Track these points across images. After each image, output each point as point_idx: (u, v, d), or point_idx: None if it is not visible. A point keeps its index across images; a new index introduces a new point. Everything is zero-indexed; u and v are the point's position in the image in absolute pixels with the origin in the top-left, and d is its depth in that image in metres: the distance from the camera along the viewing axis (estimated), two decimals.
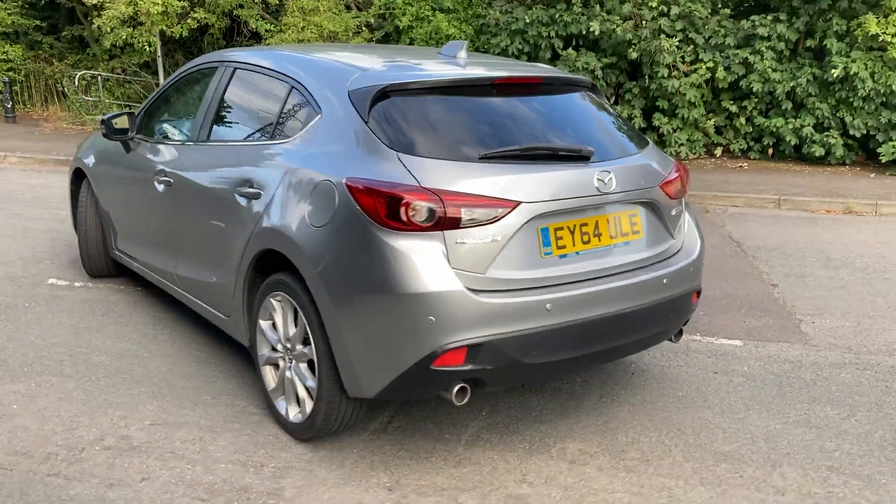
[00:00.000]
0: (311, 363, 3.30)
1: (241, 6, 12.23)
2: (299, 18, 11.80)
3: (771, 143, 11.47)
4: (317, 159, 3.23)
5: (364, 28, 12.03)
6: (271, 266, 3.48)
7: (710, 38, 11.26)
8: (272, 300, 3.43)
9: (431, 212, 2.87)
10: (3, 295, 5.23)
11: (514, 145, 3.15)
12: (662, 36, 10.93)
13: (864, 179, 10.35)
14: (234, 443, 3.40)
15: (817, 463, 3.31)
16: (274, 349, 3.52)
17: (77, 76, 14.51)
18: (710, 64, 11.18)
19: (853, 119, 10.81)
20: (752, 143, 11.66)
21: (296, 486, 3.07)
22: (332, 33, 11.69)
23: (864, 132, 10.83)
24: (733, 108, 11.39)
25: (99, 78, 14.59)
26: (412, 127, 3.17)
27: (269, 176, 3.43)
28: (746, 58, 11.04)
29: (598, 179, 3.17)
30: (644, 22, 11.10)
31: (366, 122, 3.15)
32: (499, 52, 11.65)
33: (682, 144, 11.39)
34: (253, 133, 3.83)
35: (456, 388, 2.98)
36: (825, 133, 10.91)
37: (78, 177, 5.62)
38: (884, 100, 10.65)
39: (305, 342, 3.30)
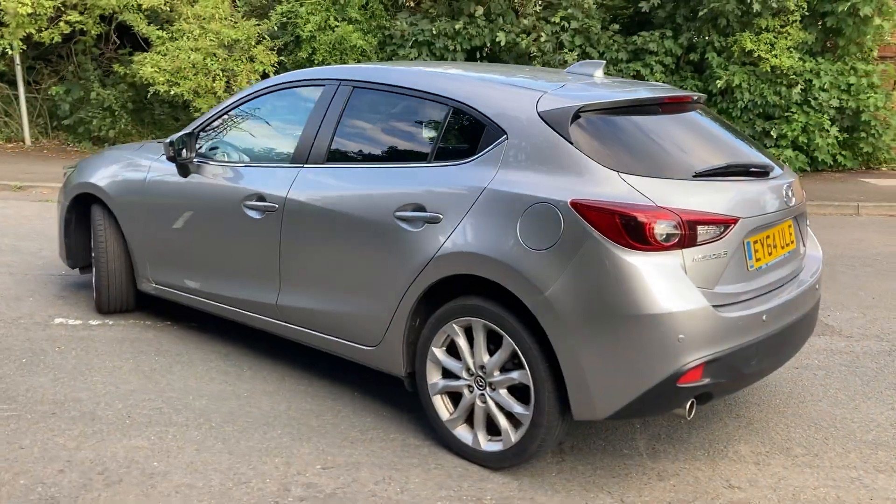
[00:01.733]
0: (512, 389, 3.23)
1: (126, 9, 11.36)
2: (195, 25, 11.16)
3: None
4: (518, 181, 3.17)
5: (266, 37, 11.58)
6: (445, 292, 3.37)
7: (603, 52, 11.90)
8: (455, 326, 3.33)
9: (673, 230, 2.93)
10: (18, 340, 4.62)
11: (715, 163, 3.28)
12: (565, 49, 11.42)
13: None
14: (428, 478, 3.26)
15: None
16: (453, 377, 3.40)
17: None
18: None
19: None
20: None
21: None
22: (232, 41, 11.16)
23: None
24: None
25: None
26: (619, 146, 3.21)
27: (449, 199, 3.31)
28: (638, 71, 11.77)
29: (785, 192, 3.36)
30: (543, 36, 11.53)
31: (570, 143, 3.14)
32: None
33: None
34: (402, 155, 3.68)
35: (689, 404, 3.05)
36: None
37: (78, 202, 5.07)
38: (760, 111, 11.74)
39: (504, 369, 3.23)
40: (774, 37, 11.63)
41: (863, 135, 11.93)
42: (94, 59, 12.81)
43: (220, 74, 11.16)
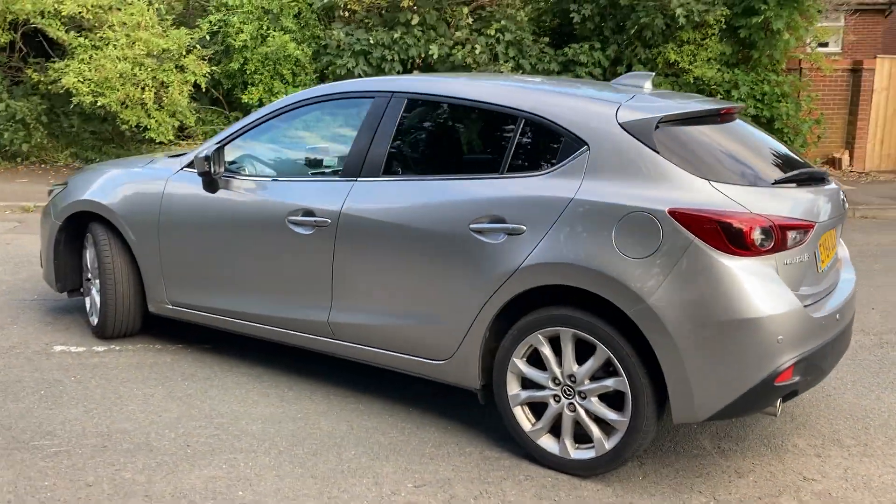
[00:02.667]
0: (602, 396, 3.27)
1: (42, 15, 10.73)
2: (121, 34, 10.67)
3: None
4: (607, 191, 3.22)
5: (197, 46, 11.20)
6: (524, 303, 3.38)
7: (535, 63, 12.15)
8: (540, 336, 3.34)
9: (768, 236, 3.05)
10: (25, 370, 4.31)
11: (789, 172, 3.43)
12: (500, 61, 11.60)
13: None
14: (523, 490, 3.26)
15: None
16: (536, 387, 3.41)
17: None
18: None
19: None
20: None
21: None
22: (164, 51, 10.74)
23: None
24: None
25: None
26: (702, 155, 3.31)
27: (532, 210, 3.32)
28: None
29: (840, 198, 3.56)
30: (478, 47, 11.66)
31: (657, 153, 3.22)
32: (345, 73, 11.53)
33: None
34: (471, 167, 3.67)
35: (778, 402, 3.18)
36: None
37: (70, 222, 4.78)
38: None
39: (594, 377, 3.27)
40: (695, 49, 12.21)
41: None
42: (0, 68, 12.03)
43: (150, 85, 10.72)
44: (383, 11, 11.90)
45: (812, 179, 3.50)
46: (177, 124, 11.24)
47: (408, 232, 3.61)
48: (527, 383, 3.46)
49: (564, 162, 3.35)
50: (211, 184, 4.19)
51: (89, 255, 4.83)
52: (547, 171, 3.39)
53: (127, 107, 10.79)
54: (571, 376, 3.31)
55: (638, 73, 3.95)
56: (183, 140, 11.82)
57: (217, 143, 4.22)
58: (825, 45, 12.58)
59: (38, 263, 5.58)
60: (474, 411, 3.92)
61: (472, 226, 3.44)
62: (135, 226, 4.47)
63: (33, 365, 4.39)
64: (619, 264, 3.12)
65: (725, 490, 3.30)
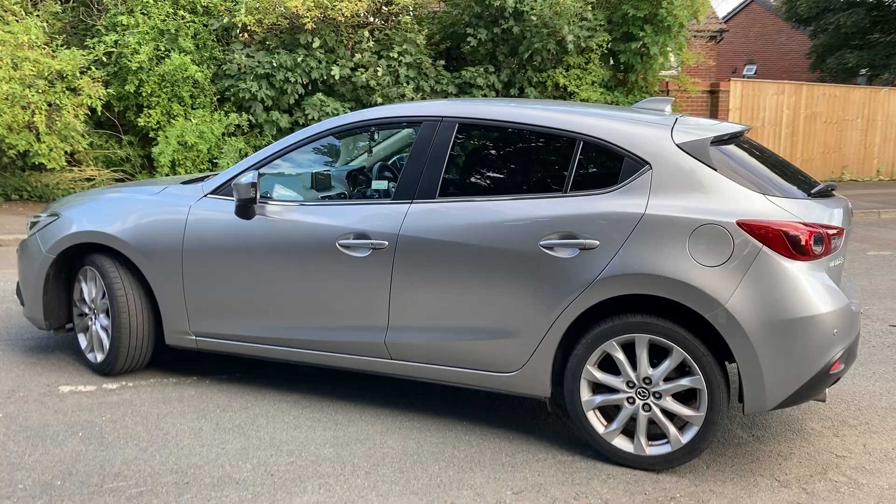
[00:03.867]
0: (676, 396, 3.56)
1: None
2: (5, 53, 9.98)
3: None
4: (674, 206, 3.52)
5: (92, 67, 10.65)
6: (596, 312, 3.62)
7: (434, 86, 12.47)
8: (615, 343, 3.59)
9: (820, 242, 3.47)
10: (45, 414, 4.07)
11: (818, 184, 3.88)
12: (401, 83, 11.83)
13: None
14: (613, 488, 3.48)
15: None
16: (609, 391, 3.65)
17: None
18: None
19: None
20: None
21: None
22: (57, 72, 10.15)
23: None
24: None
25: None
26: (750, 171, 3.69)
27: (603, 226, 3.57)
28: None
29: (850, 207, 4.05)
30: (380, 70, 11.82)
31: (714, 169, 3.57)
32: (248, 96, 11.35)
33: None
34: (532, 187, 3.85)
35: (827, 389, 3.60)
36: None
37: (65, 255, 4.55)
38: None
39: (668, 378, 3.56)
40: (580, 73, 12.97)
41: None
42: None
43: (42, 108, 10.09)
44: (281, 32, 11.82)
45: (829, 191, 3.97)
46: (69, 149, 10.63)
47: (473, 251, 3.76)
48: (597, 388, 3.69)
49: (629, 180, 3.63)
50: (246, 209, 4.14)
51: (86, 288, 4.60)
52: (612, 189, 3.64)
53: (13, 131, 10.09)
54: (647, 378, 3.57)
55: (656, 99, 4.29)
56: (74, 166, 11.19)
57: (253, 167, 4.18)
58: (666, 68, 13.66)
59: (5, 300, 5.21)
60: (525, 419, 4.11)
61: (542, 242, 3.64)
62: (152, 256, 4.32)
63: (49, 408, 4.13)
64: (695, 273, 3.42)
65: (780, 471, 3.67)
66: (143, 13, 11.15)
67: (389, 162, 4.52)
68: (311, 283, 4.07)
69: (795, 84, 16.69)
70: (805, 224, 3.45)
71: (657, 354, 3.57)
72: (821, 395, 3.62)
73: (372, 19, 12.43)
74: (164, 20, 11.24)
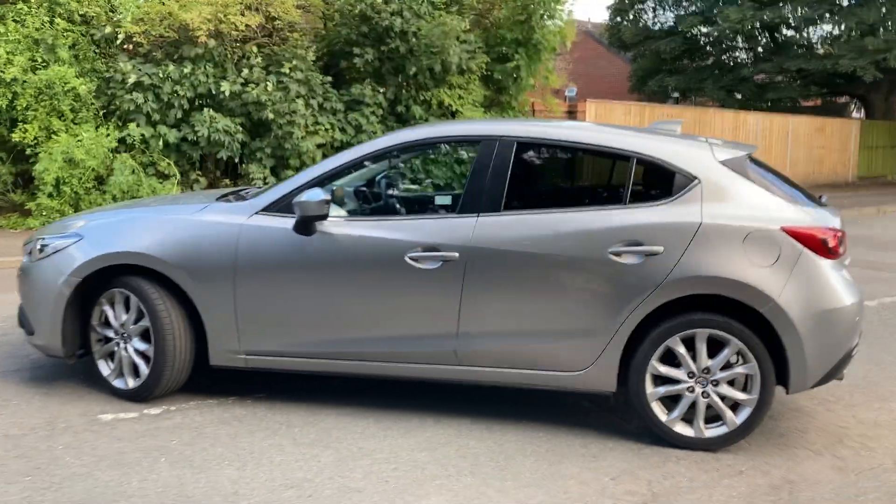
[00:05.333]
0: (732, 382, 4.05)
1: None
2: None
3: None
4: (725, 214, 4.01)
5: None
6: (659, 312, 4.05)
7: (322, 102, 12.52)
8: (677, 338, 4.02)
9: (841, 243, 4.10)
10: (107, 442, 3.91)
11: (820, 195, 4.52)
12: (300, 100, 11.81)
13: None
14: (688, 467, 3.90)
15: None
16: (671, 383, 4.08)
17: None
18: (328, 126, 12.46)
19: None
20: None
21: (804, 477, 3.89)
22: None
23: None
24: None
25: None
26: (776, 183, 4.26)
27: (666, 234, 3.99)
28: (358, 120, 12.66)
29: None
30: (270, 86, 11.73)
31: (753, 183, 4.12)
32: (134, 108, 10.87)
33: None
34: (593, 200, 4.20)
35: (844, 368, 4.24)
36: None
37: (90, 279, 4.38)
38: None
39: (724, 367, 4.04)
40: (462, 93, 13.52)
41: None
42: None
43: None
44: (167, 45, 11.43)
45: (824, 202, 4.64)
46: None
47: (542, 259, 4.06)
48: (658, 380, 4.10)
49: (682, 193, 4.08)
50: (307, 226, 4.19)
51: (111, 312, 4.43)
52: (668, 200, 4.08)
53: None
54: (706, 369, 4.03)
55: (670, 121, 4.79)
56: None
57: (310, 185, 4.24)
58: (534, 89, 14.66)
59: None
60: (569, 415, 4.46)
61: (610, 250, 4.01)
62: (200, 276, 4.25)
63: (107, 436, 3.96)
64: (750, 273, 3.93)
65: (807, 443, 4.25)
66: (15, 21, 10.42)
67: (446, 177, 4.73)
68: (378, 296, 4.19)
69: (640, 105, 18.27)
70: (830, 228, 4.06)
71: (712, 346, 4.03)
72: (840, 374, 4.24)
73: (259, 35, 12.29)
74: (40, 29, 10.55)
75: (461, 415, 4.43)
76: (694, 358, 4.04)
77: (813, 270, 3.96)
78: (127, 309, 4.41)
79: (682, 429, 4.10)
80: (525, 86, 14.20)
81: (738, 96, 26.53)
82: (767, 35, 26.79)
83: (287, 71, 11.78)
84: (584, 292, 4.06)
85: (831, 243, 4.01)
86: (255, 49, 11.74)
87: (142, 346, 4.38)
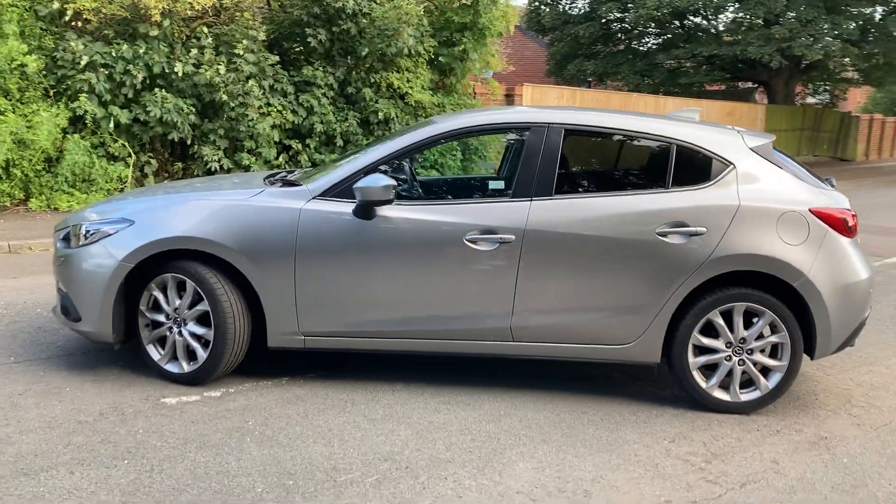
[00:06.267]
0: (763, 350, 4.44)
1: None
2: None
3: None
4: (759, 197, 4.37)
5: None
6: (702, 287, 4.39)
7: (273, 85, 12.39)
8: (718, 311, 4.37)
9: (856, 223, 4.53)
10: (183, 425, 3.95)
11: (830, 178, 4.94)
12: (252, 81, 11.67)
13: None
14: (731, 430, 4.25)
15: None
16: (710, 352, 4.43)
17: None
18: (280, 107, 12.36)
19: None
20: None
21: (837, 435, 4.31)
22: None
23: None
24: (297, 146, 12.80)
25: None
26: (796, 168, 4.65)
27: (708, 215, 4.31)
28: (309, 102, 12.59)
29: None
30: (222, 68, 11.53)
31: (781, 168, 4.50)
32: (87, 88, 10.52)
33: None
34: (638, 184, 4.47)
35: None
36: None
37: (139, 265, 4.38)
38: None
39: (758, 337, 4.41)
40: (411, 76, 13.62)
41: None
42: None
43: None
44: (118, 23, 11.07)
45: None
46: None
47: (594, 240, 4.33)
48: (698, 351, 4.44)
49: (720, 177, 4.42)
50: (367, 210, 4.31)
51: (163, 298, 4.44)
52: (707, 184, 4.41)
53: None
54: (742, 339, 4.40)
55: (689, 109, 5.12)
56: None
57: (368, 169, 4.37)
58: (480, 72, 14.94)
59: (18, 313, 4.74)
60: (607, 385, 4.76)
61: (657, 231, 4.31)
62: (260, 259, 4.32)
63: (181, 419, 4.00)
64: (784, 250, 4.30)
65: (823, 404, 4.69)
66: None
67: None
68: (436, 276, 4.36)
69: (571, 89, 18.81)
70: (847, 209, 4.48)
71: (747, 318, 4.40)
72: (853, 341, 4.68)
73: (210, 14, 12.03)
74: None
75: (506, 388, 4.65)
76: (731, 329, 4.40)
77: (836, 248, 4.37)
78: (180, 294, 4.43)
79: (720, 394, 4.45)
80: (471, 69, 14.41)
81: (651, 81, 27.54)
82: (678, 22, 27.85)
83: (240, 52, 11.60)
84: (633, 271, 4.34)
85: (850, 223, 4.43)
86: (205, 29, 11.51)
87: (198, 329, 4.41)
